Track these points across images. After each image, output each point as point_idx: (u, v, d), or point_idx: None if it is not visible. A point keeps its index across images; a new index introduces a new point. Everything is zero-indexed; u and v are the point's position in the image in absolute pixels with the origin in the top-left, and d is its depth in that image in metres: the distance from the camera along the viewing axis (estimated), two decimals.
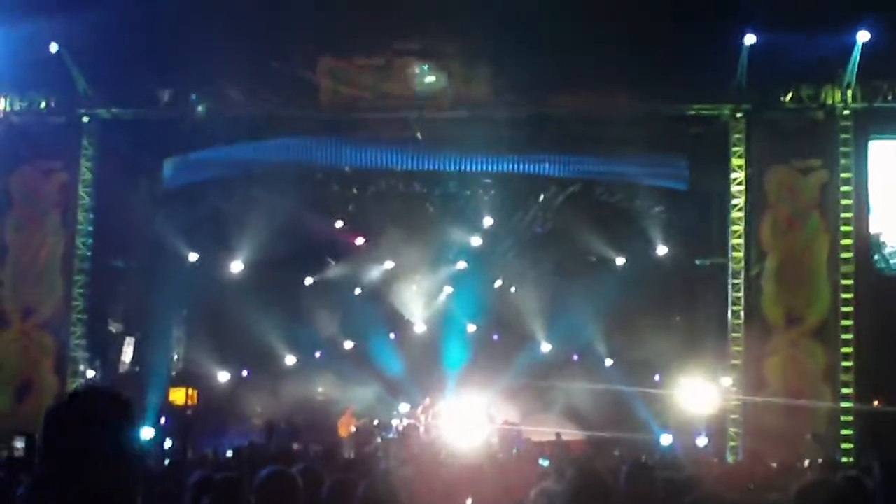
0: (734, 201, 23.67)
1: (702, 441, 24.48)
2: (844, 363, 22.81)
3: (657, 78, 22.39)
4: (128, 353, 27.02)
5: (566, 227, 26.56)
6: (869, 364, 22.56)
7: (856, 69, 22.74)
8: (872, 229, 23.42)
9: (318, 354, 32.42)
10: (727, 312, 23.69)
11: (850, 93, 23.18)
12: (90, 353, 25.12)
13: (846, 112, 23.25)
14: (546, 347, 31.11)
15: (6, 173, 25.11)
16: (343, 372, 30.90)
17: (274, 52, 23.82)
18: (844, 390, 22.72)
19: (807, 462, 17.99)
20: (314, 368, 32.09)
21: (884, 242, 23.48)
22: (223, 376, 30.42)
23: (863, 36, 22.08)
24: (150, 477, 8.35)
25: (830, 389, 22.83)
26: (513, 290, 31.31)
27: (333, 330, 32.32)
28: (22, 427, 19.56)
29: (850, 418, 22.46)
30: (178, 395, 28.87)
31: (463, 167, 25.12)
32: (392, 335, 32.75)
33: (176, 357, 29.90)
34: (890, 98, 23.29)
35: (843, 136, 23.27)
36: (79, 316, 24.83)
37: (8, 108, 24.88)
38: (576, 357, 31.42)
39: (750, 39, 22.28)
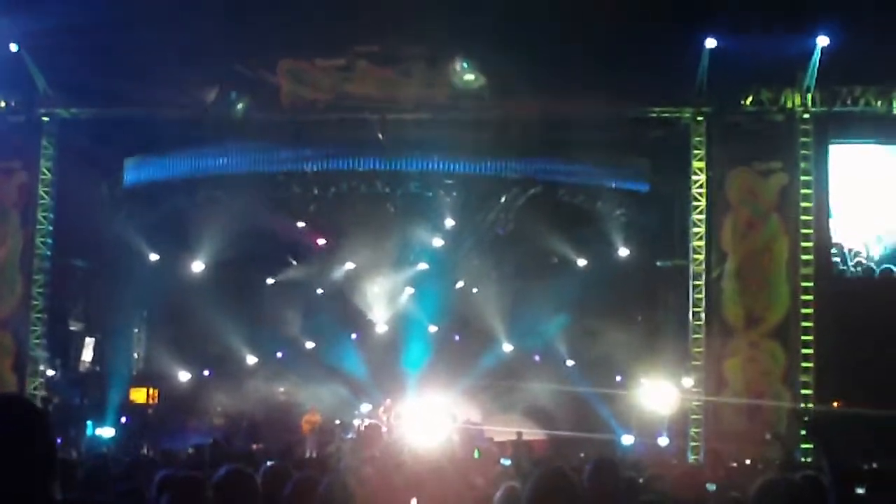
0: (695, 203, 23.79)
1: (663, 441, 24.61)
2: (804, 364, 23.04)
3: (619, 81, 22.39)
4: (88, 353, 26.91)
5: (528, 228, 26.51)
6: (828, 365, 22.77)
7: (815, 73, 22.95)
8: (833, 232, 23.64)
9: (279, 354, 32.33)
10: (688, 313, 23.82)
11: (809, 97, 23.38)
12: (50, 353, 24.94)
13: (806, 116, 23.45)
14: (508, 348, 31.15)
15: None
16: (305, 372, 30.85)
17: (234, 54, 23.76)
18: (804, 391, 22.93)
19: (766, 461, 18.15)
20: (276, 368, 31.98)
21: (843, 245, 23.70)
22: (184, 376, 30.30)
23: (823, 41, 22.28)
24: (109, 477, 8.29)
25: (790, 390, 23.04)
26: (474, 290, 31.26)
27: (295, 330, 32.34)
28: None
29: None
30: (139, 395, 28.70)
31: (425, 167, 25.15)
32: (354, 335, 32.73)
33: (137, 356, 29.79)
34: (849, 103, 23.51)
35: (803, 139, 23.48)
36: (38, 315, 24.64)
37: None
38: (537, 358, 31.46)
39: (711, 43, 22.43)
